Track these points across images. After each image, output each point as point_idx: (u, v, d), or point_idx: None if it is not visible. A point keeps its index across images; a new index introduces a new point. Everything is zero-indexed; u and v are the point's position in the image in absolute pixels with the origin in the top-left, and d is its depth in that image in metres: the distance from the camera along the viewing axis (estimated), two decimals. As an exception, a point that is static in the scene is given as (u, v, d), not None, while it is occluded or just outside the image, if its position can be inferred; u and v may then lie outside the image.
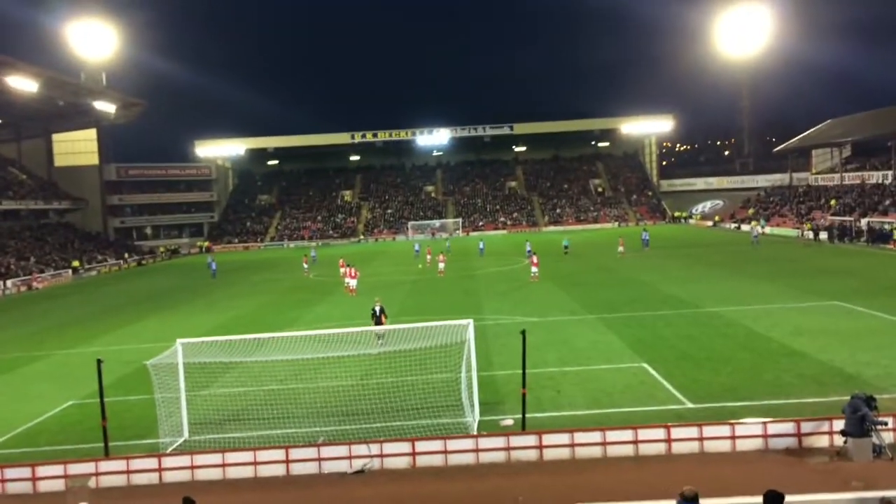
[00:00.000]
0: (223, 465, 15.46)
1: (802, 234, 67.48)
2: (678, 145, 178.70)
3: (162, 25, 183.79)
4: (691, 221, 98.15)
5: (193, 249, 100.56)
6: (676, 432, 15.04)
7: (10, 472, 15.52)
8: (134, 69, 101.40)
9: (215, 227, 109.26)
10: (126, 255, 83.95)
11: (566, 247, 60.63)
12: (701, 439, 14.91)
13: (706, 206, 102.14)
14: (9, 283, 60.49)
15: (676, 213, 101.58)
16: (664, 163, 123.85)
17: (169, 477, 15.47)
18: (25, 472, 15.55)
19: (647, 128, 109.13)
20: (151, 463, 15.66)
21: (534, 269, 43.95)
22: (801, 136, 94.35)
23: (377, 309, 27.10)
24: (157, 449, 16.76)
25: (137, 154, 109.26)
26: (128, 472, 15.54)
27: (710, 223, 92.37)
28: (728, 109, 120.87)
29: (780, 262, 48.05)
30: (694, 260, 51.37)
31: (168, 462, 15.68)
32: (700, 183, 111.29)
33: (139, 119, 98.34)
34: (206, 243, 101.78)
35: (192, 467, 15.51)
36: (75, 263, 71.96)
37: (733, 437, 14.90)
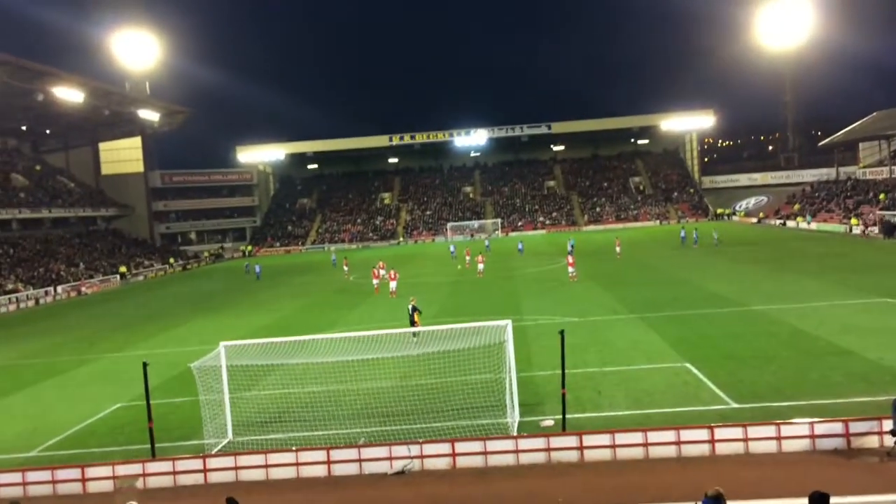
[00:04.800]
0: (266, 466, 15.68)
1: (850, 230, 65.81)
2: (720, 141, 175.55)
3: (202, 34, 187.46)
4: (735, 218, 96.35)
5: (236, 253, 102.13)
6: (720, 433, 14.80)
7: (60, 474, 15.95)
8: (176, 77, 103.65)
9: (257, 232, 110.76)
10: (172, 260, 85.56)
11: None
12: (746, 440, 14.64)
13: (750, 202, 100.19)
14: (59, 288, 62.18)
15: (719, 210, 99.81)
16: (706, 159, 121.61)
17: (214, 478, 15.74)
18: (75, 473, 15.96)
19: (688, 124, 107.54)
20: (197, 464, 15.96)
21: (570, 269, 43.56)
22: (848, 129, 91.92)
23: (411, 308, 27.52)
24: (202, 450, 17.06)
25: (181, 161, 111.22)
26: (174, 472, 15.86)
27: (754, 220, 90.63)
28: (771, 103, 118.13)
29: (828, 258, 46.97)
30: (738, 257, 50.49)
31: (213, 463, 15.96)
32: (743, 179, 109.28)
33: (182, 126, 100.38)
34: (250, 247, 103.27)
35: (237, 468, 15.77)
36: (122, 269, 73.61)
37: (779, 438, 14.60)
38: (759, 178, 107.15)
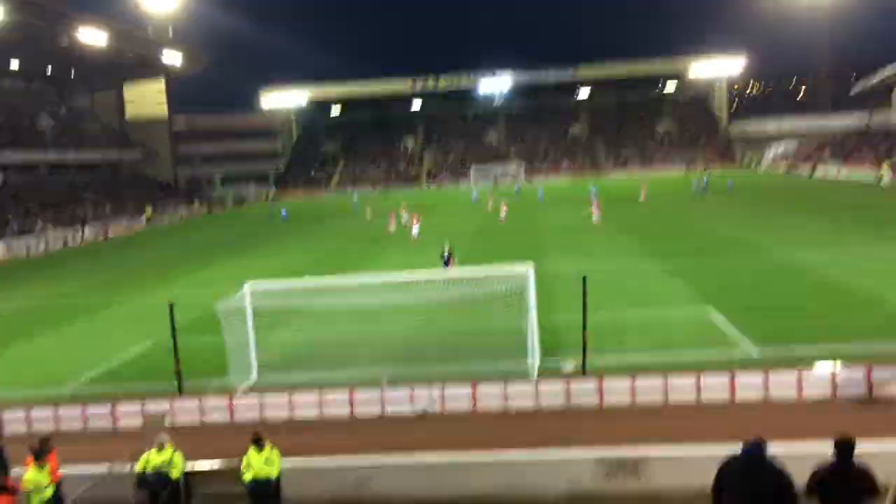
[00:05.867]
0: (290, 406, 15.99)
1: (881, 180, 64.40)
2: (749, 86, 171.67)
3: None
4: (763, 164, 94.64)
5: (261, 198, 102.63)
6: (741, 378, 14.78)
7: (91, 410, 16.38)
8: (199, 21, 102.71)
9: (281, 177, 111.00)
10: (196, 202, 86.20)
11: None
12: (767, 386, 14.63)
13: (779, 148, 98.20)
14: (86, 230, 63.08)
15: (747, 157, 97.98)
16: (734, 105, 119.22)
17: (239, 416, 16.10)
18: (105, 409, 16.39)
19: (717, 68, 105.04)
20: (222, 402, 16.32)
21: (596, 213, 43.15)
22: (882, 73, 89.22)
23: (446, 252, 27.59)
24: (227, 390, 17.40)
25: (205, 105, 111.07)
26: (200, 410, 16.24)
27: (783, 165, 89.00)
28: (802, 47, 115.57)
29: (858, 208, 46.18)
30: (763, 205, 49.83)
31: (238, 402, 16.31)
32: (773, 125, 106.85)
33: (205, 70, 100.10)
34: (273, 191, 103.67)
35: (262, 407, 16.09)
36: (148, 213, 74.36)
37: (801, 384, 14.57)
38: (789, 123, 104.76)
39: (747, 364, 16.24)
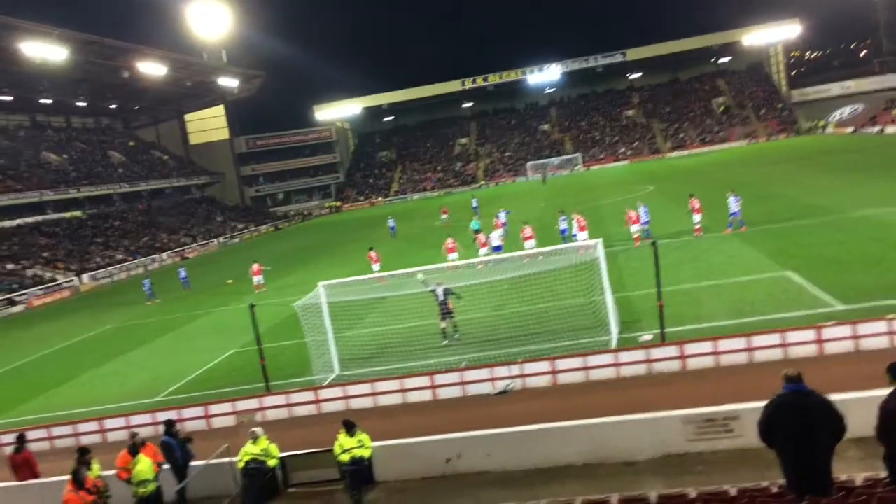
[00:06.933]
0: (374, 394, 16.36)
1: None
2: (807, 52, 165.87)
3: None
4: (828, 130, 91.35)
5: (323, 210, 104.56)
6: (828, 332, 14.45)
7: (186, 412, 17.08)
8: (249, 43, 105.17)
9: (341, 187, 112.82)
10: (263, 223, 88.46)
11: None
12: (855, 337, 14.26)
13: (844, 112, 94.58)
14: (164, 255, 65.42)
15: (809, 124, 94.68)
16: (793, 72, 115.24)
17: (326, 408, 16.55)
18: (199, 411, 17.09)
19: (772, 36, 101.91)
20: (309, 396, 16.81)
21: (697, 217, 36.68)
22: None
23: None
24: (312, 385, 17.87)
25: (262, 125, 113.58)
26: (288, 405, 16.77)
27: (850, 129, 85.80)
28: (861, 6, 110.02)
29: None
30: (833, 167, 48.21)
31: (324, 394, 16.78)
32: (835, 88, 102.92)
33: (260, 91, 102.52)
34: (337, 203, 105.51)
35: (346, 398, 16.52)
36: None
37: (891, 334, 14.14)
38: (852, 85, 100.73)
39: (834, 318, 15.81)
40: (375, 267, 32.11)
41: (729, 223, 29.34)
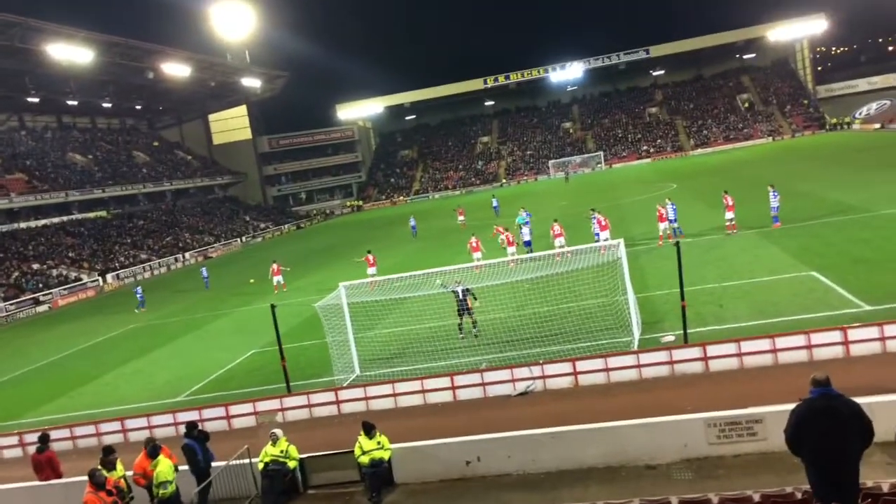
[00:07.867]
0: (394, 395, 16.33)
1: None
2: (833, 48, 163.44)
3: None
4: (855, 126, 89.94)
5: (346, 209, 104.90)
6: (854, 334, 14.17)
7: (207, 413, 17.14)
8: (271, 43, 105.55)
9: (363, 186, 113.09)
10: (285, 222, 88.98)
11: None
12: (883, 339, 13.97)
13: (871, 107, 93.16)
14: (187, 254, 66.00)
15: (834, 120, 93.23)
16: (819, 68, 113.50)
17: (346, 408, 16.55)
18: (220, 411, 17.15)
19: (797, 31, 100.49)
20: (329, 396, 16.81)
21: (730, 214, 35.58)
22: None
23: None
24: (333, 385, 17.86)
25: (284, 125, 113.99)
26: (309, 405, 16.78)
27: (877, 125, 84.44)
28: (888, 0, 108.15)
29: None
30: (860, 164, 47.46)
31: (344, 395, 16.78)
32: (862, 84, 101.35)
33: (282, 91, 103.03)
34: (359, 202, 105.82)
35: (367, 398, 16.50)
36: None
37: (922, 334, 13.84)
38: (879, 81, 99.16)
39: (860, 319, 15.53)
40: (371, 270, 32.34)
41: (773, 218, 29.08)
